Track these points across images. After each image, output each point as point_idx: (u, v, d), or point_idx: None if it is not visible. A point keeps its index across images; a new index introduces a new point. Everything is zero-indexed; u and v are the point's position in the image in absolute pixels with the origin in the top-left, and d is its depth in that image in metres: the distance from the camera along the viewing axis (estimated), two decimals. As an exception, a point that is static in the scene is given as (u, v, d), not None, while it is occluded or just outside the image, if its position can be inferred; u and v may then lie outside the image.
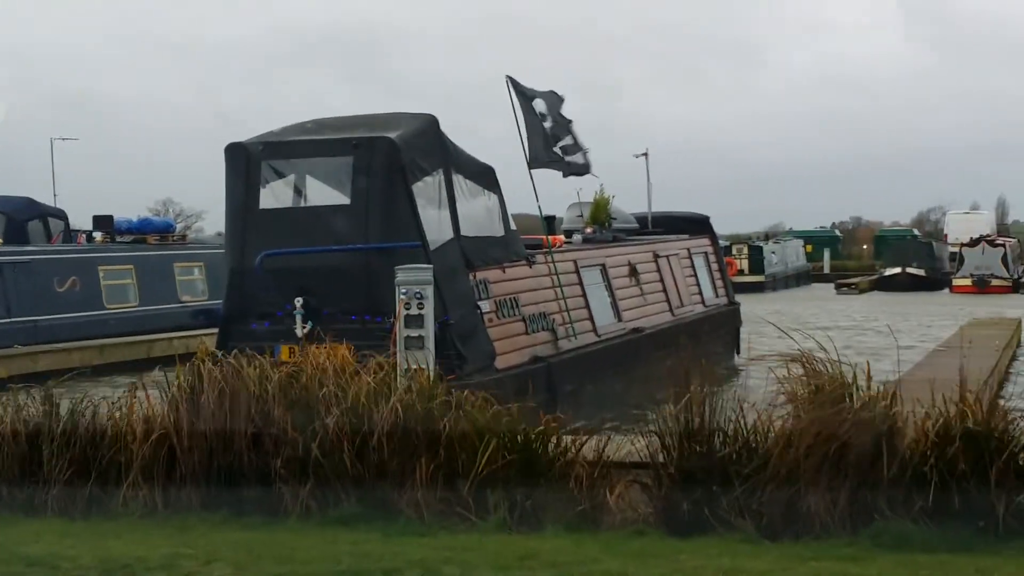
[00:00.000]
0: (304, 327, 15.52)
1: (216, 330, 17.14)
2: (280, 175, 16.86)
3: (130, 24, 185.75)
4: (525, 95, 19.85)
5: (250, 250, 16.09)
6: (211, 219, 79.31)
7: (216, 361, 10.86)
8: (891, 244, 79.16)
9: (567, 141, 20.90)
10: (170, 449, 10.33)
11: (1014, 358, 25.85)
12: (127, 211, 40.36)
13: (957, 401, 9.16)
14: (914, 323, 40.10)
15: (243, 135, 17.04)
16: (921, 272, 66.97)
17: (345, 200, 16.35)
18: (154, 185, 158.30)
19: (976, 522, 8.72)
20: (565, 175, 21.39)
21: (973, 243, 66.00)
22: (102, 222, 32.65)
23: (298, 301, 15.65)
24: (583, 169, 21.79)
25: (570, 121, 21.24)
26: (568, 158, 20.89)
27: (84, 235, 34.02)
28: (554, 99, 20.94)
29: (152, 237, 33.14)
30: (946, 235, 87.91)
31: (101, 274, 29.98)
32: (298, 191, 17.08)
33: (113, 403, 10.94)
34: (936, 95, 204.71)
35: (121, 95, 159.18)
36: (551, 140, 20.28)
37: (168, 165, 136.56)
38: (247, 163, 16.46)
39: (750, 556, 8.32)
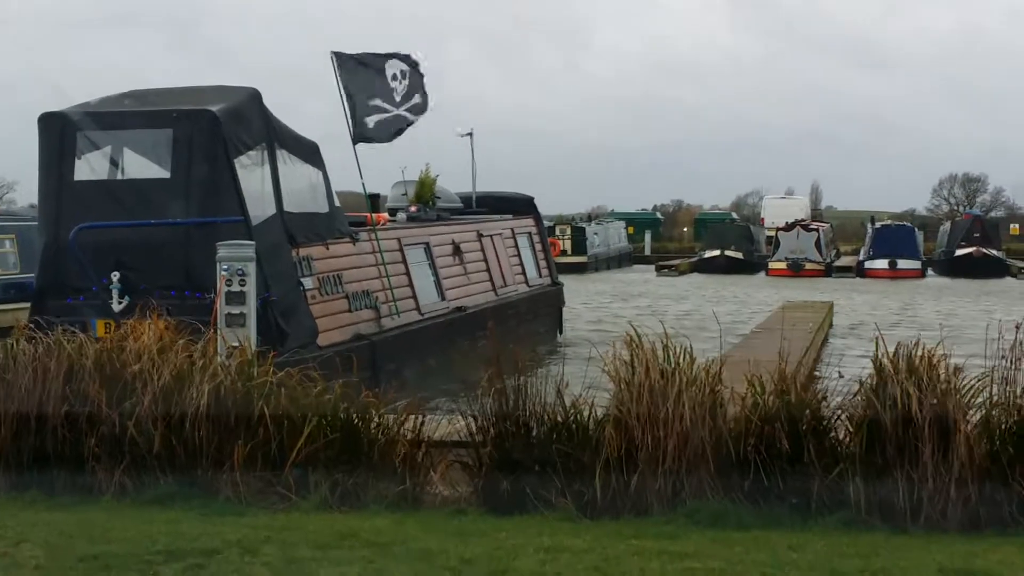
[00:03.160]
0: (121, 302, 15.20)
1: (28, 304, 16.66)
2: (97, 146, 16.44)
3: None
4: (348, 69, 19.53)
5: (65, 223, 15.67)
6: (24, 190, 77.03)
7: (29, 337, 10.55)
8: (710, 227, 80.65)
9: (416, 100, 20.42)
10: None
11: (826, 340, 26.57)
12: (-65, 181, 38.96)
13: (776, 381, 9.34)
14: (732, 305, 40.93)
15: (59, 104, 16.59)
16: (739, 255, 68.31)
17: (165, 174, 16.05)
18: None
19: (790, 500, 8.91)
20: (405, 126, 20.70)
21: (788, 227, 67.55)
22: (-92, 192, 31.53)
23: (114, 275, 15.31)
24: (420, 109, 21.03)
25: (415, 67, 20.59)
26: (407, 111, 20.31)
27: None
28: (385, 61, 20.42)
29: (-38, 208, 32.09)
30: (763, 219, 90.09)
31: (-93, 246, 28.90)
32: (115, 163, 16.67)
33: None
34: (758, 83, 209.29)
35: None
36: (385, 109, 19.88)
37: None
38: (62, 133, 16.03)
39: (570, 534, 8.37)
